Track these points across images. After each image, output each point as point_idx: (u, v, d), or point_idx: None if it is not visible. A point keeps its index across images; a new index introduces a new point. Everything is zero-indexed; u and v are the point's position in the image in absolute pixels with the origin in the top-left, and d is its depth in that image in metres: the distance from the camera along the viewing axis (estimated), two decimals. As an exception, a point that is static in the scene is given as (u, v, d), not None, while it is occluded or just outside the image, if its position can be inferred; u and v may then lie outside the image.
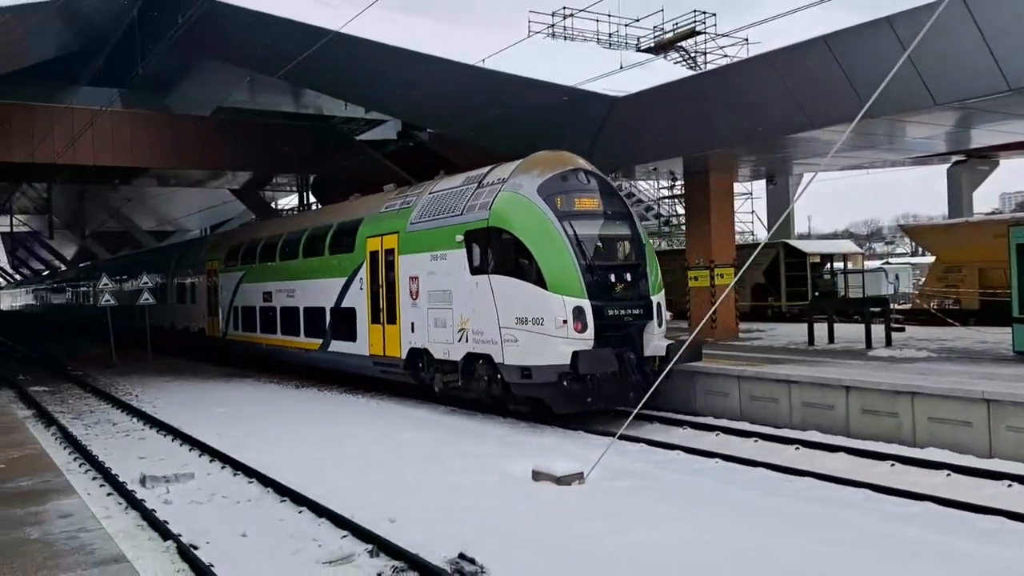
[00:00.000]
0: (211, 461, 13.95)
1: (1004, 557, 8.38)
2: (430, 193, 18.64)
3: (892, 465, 12.16)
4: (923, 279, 33.57)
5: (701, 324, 13.74)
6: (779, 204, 38.02)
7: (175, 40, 22.03)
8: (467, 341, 16.34)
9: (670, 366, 13.31)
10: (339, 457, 13.82)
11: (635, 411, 12.91)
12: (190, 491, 11.92)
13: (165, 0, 25.29)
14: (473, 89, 22.23)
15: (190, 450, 14.99)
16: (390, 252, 19.03)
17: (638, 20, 33.56)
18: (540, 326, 14.80)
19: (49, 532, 7.16)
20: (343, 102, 31.32)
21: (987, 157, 36.97)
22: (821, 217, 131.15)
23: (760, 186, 39.56)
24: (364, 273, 20.14)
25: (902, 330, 22.65)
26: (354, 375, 21.96)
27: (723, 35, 32.59)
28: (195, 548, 9.17)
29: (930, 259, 33.91)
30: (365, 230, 20.42)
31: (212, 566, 8.56)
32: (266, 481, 12.07)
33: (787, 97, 16.30)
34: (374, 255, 19.75)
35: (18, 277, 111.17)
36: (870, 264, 48.84)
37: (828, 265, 34.84)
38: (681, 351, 13.93)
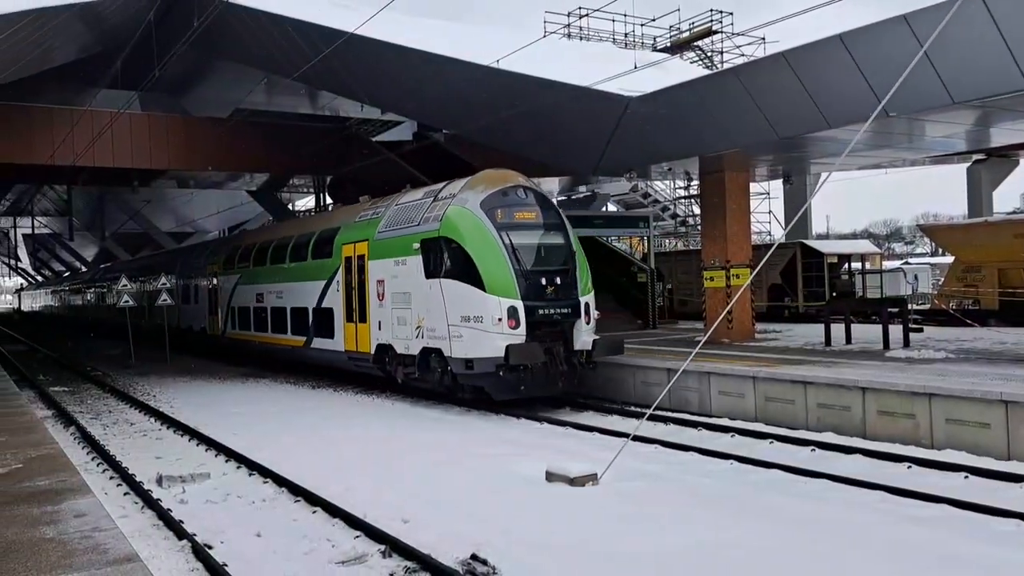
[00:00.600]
0: (227, 461, 14.01)
1: (1022, 561, 8.30)
2: (396, 205, 20.58)
3: (909, 467, 12.07)
4: (942, 279, 33.33)
5: (716, 324, 13.71)
6: (796, 204, 37.84)
7: (191, 42, 22.14)
8: (423, 337, 18.25)
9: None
10: (353, 457, 13.85)
11: (649, 412, 12.90)
12: (206, 491, 11.98)
13: (181, 2, 25.45)
14: (487, 89, 22.23)
15: (206, 450, 15.06)
16: (361, 258, 20.93)
17: (654, 20, 33.48)
18: (480, 323, 16.80)
19: (64, 531, 7.19)
20: (359, 104, 31.40)
21: (1007, 156, 36.72)
22: (840, 217, 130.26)
23: (777, 186, 39.43)
24: (340, 277, 21.98)
25: (920, 331, 22.54)
26: (364, 374, 22.21)
27: (739, 34, 32.47)
28: (209, 547, 9.22)
29: (949, 259, 33.69)
30: (341, 238, 22.30)
31: (226, 565, 8.60)
32: (280, 481, 12.13)
33: (803, 96, 16.21)
34: (348, 260, 21.60)
35: (39, 279, 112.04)
36: (889, 264, 48.57)
37: (846, 265, 34.68)
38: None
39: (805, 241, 33.93)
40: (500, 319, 16.65)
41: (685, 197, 44.14)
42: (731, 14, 33.19)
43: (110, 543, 6.82)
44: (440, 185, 19.48)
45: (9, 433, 12.37)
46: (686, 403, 17.59)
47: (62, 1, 20.63)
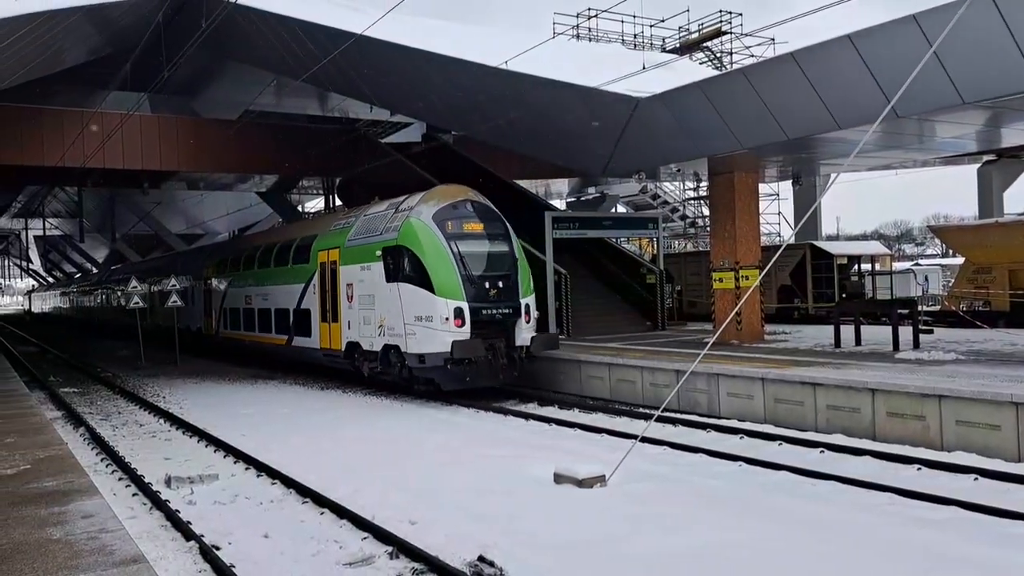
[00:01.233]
0: (235, 462, 14.04)
1: (1031, 562, 8.26)
2: (364, 215, 22.42)
3: (918, 469, 12.01)
4: (952, 281, 33.21)
5: (724, 325, 13.67)
6: (806, 205, 37.78)
7: (200, 44, 22.22)
8: (384, 335, 20.12)
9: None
10: (362, 458, 13.86)
11: (657, 413, 12.87)
12: (214, 492, 12.00)
13: (190, 4, 25.51)
14: (496, 91, 22.24)
15: (215, 451, 15.09)
16: (334, 263, 22.77)
17: (663, 20, 33.42)
18: (430, 323, 18.77)
19: (71, 532, 7.20)
20: (368, 105, 31.46)
21: (1018, 156, 36.53)
22: (850, 218, 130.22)
23: (787, 187, 39.34)
24: (316, 280, 23.78)
25: (930, 332, 22.44)
26: (375, 378, 22.17)
27: (748, 34, 32.40)
28: (217, 548, 9.23)
29: (960, 260, 33.56)
30: (317, 245, 24.15)
31: (233, 567, 8.61)
32: (288, 482, 12.14)
33: (812, 97, 16.15)
34: (323, 266, 23.41)
35: (50, 280, 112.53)
36: (899, 266, 48.41)
37: (856, 266, 34.58)
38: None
39: (815, 242, 33.83)
40: (447, 318, 18.64)
41: (694, 198, 44.07)
42: (740, 15, 33.12)
43: (117, 544, 6.83)
44: (401, 198, 21.26)
45: (18, 434, 12.41)
46: (695, 404, 17.55)
47: (72, 3, 20.70)
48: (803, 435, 14.50)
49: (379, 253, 20.33)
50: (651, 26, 33.36)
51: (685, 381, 15.85)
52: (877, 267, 35.28)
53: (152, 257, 56.71)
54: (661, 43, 33.17)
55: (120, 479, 13.00)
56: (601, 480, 11.51)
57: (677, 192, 48.40)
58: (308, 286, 24.23)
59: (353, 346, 21.65)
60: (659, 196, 49.83)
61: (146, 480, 12.43)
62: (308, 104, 36.84)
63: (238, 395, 22.55)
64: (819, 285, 32.20)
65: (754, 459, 12.70)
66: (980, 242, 28.39)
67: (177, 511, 10.69)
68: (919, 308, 22.61)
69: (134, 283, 32.95)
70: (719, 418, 16.64)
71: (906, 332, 19.47)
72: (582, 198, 52.05)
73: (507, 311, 19.49)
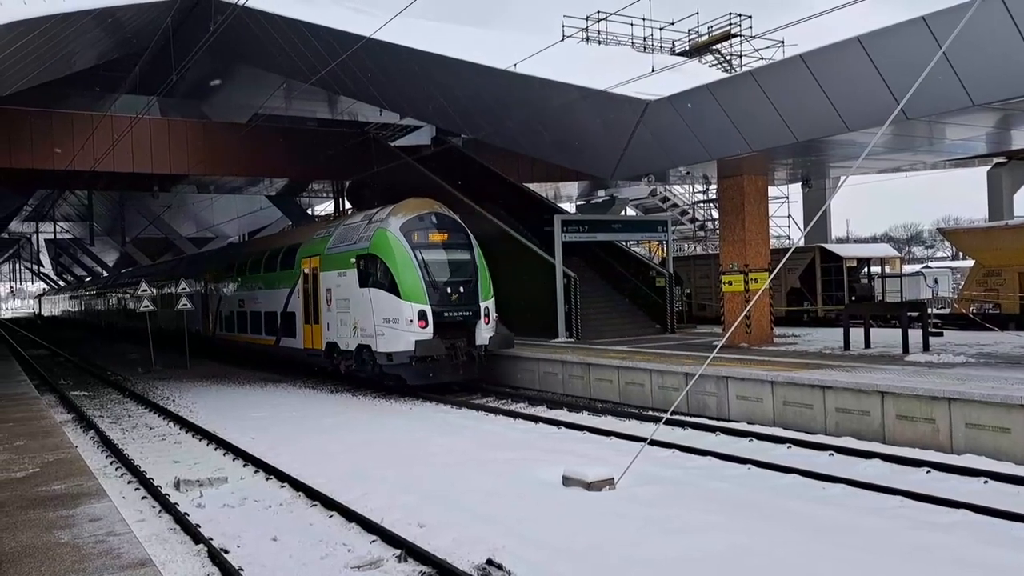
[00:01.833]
0: (245, 465, 14.06)
1: (1042, 566, 8.21)
2: (343, 225, 24.31)
3: (928, 472, 11.97)
4: (962, 283, 33.08)
5: (733, 327, 13.63)
6: (816, 208, 37.67)
7: (208, 47, 22.30)
8: (358, 336, 21.80)
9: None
10: (371, 461, 13.85)
11: (666, 415, 12.84)
12: (223, 495, 12.01)
13: (199, 7, 25.59)
14: (505, 93, 22.26)
15: (224, 454, 15.11)
16: (315, 270, 24.36)
17: (672, 23, 33.37)
18: (397, 324, 20.49)
19: (78, 536, 7.22)
20: (378, 108, 31.50)
21: (1028, 159, 36.36)
22: (860, 221, 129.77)
23: (796, 189, 39.25)
24: (300, 285, 25.31)
25: (940, 335, 22.36)
26: (380, 379, 22.43)
27: (756, 37, 32.33)
28: (226, 552, 9.24)
29: (970, 263, 33.42)
30: (301, 252, 25.79)
31: (242, 570, 8.63)
32: (297, 485, 12.15)
33: (822, 99, 16.11)
34: (306, 272, 25.00)
35: (61, 284, 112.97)
36: (909, 268, 48.24)
37: (865, 269, 34.46)
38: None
39: (824, 245, 33.74)
40: (412, 320, 20.35)
41: (703, 201, 44.00)
42: (750, 17, 33.05)
43: (124, 548, 6.84)
44: (375, 210, 23.19)
45: (28, 437, 12.45)
46: (704, 407, 17.51)
47: (81, 7, 20.78)
48: (812, 438, 14.45)
49: (353, 260, 22.03)
50: (660, 29, 33.31)
51: (694, 384, 15.82)
52: (887, 270, 35.14)
53: (158, 262, 57.07)
54: (671, 46, 33.13)
55: (129, 482, 13.02)
56: (610, 483, 11.49)
57: (686, 195, 48.38)
58: (293, 291, 25.88)
59: (332, 346, 23.26)
60: (668, 199, 49.78)
61: (155, 483, 12.46)
62: (318, 107, 36.91)
63: (248, 398, 22.59)
64: (829, 288, 32.11)
65: (763, 462, 12.67)
66: (990, 245, 28.27)
67: (186, 514, 10.71)
68: (929, 311, 22.52)
69: (144, 286, 33.10)
70: (728, 421, 16.60)
71: (916, 335, 19.39)
72: (592, 201, 51.99)
73: (467, 313, 21.27)
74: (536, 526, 9.86)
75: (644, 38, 33.23)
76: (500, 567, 8.50)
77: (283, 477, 12.72)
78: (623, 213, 51.66)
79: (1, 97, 22.73)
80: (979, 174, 40.61)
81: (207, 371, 30.18)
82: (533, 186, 36.57)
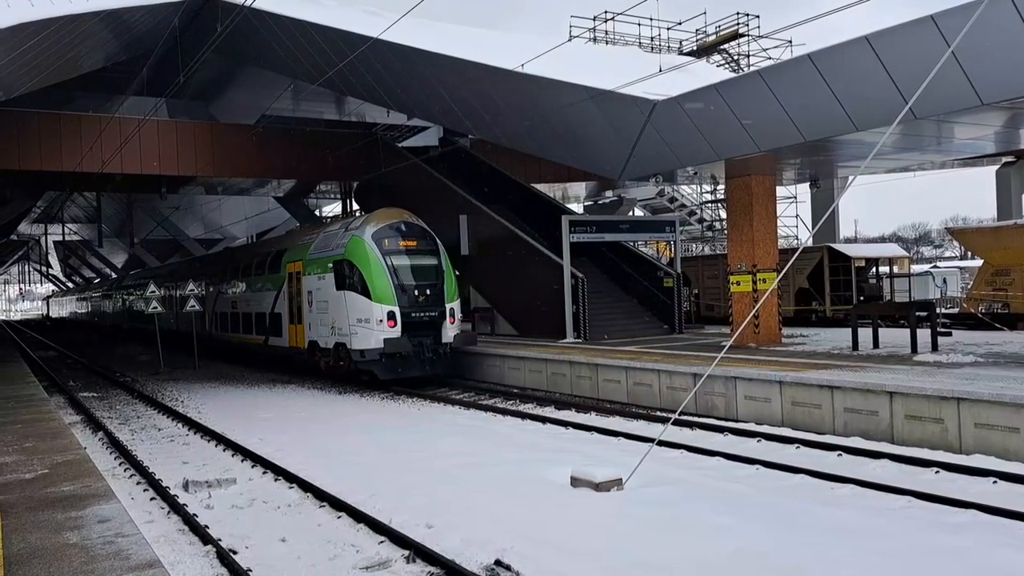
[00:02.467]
0: (253, 466, 14.07)
1: (1053, 567, 8.17)
2: (323, 232, 26.12)
3: (937, 472, 11.93)
4: (971, 283, 32.98)
5: (742, 328, 13.59)
6: (824, 208, 37.61)
7: (216, 48, 22.35)
8: (335, 334, 23.73)
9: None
10: (379, 462, 13.86)
11: (674, 416, 12.81)
12: (232, 496, 12.03)
13: (206, 9, 25.64)
14: (512, 94, 22.24)
15: (233, 455, 15.13)
16: (299, 273, 26.23)
17: (680, 23, 33.39)
18: (368, 323, 22.39)
19: (87, 537, 7.22)
20: (385, 109, 31.53)
21: (1037, 158, 36.25)
22: (868, 221, 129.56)
23: (804, 189, 39.17)
24: (286, 288, 27.19)
25: (949, 334, 22.29)
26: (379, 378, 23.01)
27: (764, 36, 32.30)
28: (234, 553, 9.25)
29: (978, 263, 33.32)
30: (287, 257, 27.66)
31: (250, 571, 8.62)
32: (306, 486, 12.16)
33: (830, 98, 16.07)
34: (291, 275, 26.91)
35: (69, 285, 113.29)
36: (917, 268, 48.12)
37: (873, 269, 34.38)
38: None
39: (832, 245, 33.67)
40: (381, 320, 22.24)
41: (711, 201, 43.92)
42: (758, 16, 33.04)
43: (132, 549, 6.85)
44: (351, 219, 25.44)
45: (37, 438, 12.47)
46: (712, 408, 17.48)
47: (88, 9, 20.84)
48: (821, 438, 14.42)
49: (331, 265, 23.93)
50: (668, 29, 33.38)
51: (702, 384, 15.80)
52: (895, 269, 35.06)
53: (163, 264, 57.56)
54: (678, 46, 33.14)
55: (138, 483, 13.05)
56: (618, 484, 11.47)
57: (694, 195, 48.32)
58: (280, 293, 27.74)
59: (313, 344, 25.17)
60: (676, 199, 49.71)
61: (164, 484, 12.48)
62: (325, 108, 36.98)
63: (256, 399, 22.62)
64: (837, 288, 32.04)
65: (772, 463, 12.64)
66: (999, 244, 28.18)
67: (194, 515, 10.72)
68: (937, 310, 22.45)
69: (152, 288, 33.21)
70: (736, 421, 16.57)
71: (924, 334, 19.34)
72: (599, 202, 51.94)
73: (434, 314, 23.10)
74: (544, 527, 9.85)
75: (652, 38, 33.26)
76: (508, 568, 8.49)
77: (291, 478, 12.73)
78: (631, 214, 51.63)
79: (9, 99, 22.82)
80: (988, 173, 40.51)
81: (215, 372, 30.26)
82: (541, 187, 36.57)
